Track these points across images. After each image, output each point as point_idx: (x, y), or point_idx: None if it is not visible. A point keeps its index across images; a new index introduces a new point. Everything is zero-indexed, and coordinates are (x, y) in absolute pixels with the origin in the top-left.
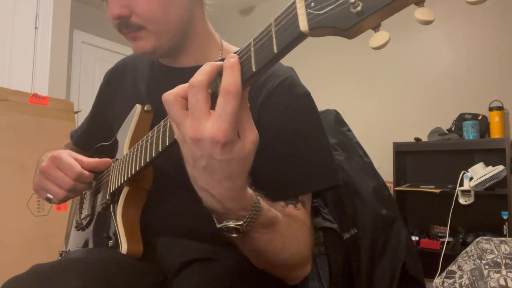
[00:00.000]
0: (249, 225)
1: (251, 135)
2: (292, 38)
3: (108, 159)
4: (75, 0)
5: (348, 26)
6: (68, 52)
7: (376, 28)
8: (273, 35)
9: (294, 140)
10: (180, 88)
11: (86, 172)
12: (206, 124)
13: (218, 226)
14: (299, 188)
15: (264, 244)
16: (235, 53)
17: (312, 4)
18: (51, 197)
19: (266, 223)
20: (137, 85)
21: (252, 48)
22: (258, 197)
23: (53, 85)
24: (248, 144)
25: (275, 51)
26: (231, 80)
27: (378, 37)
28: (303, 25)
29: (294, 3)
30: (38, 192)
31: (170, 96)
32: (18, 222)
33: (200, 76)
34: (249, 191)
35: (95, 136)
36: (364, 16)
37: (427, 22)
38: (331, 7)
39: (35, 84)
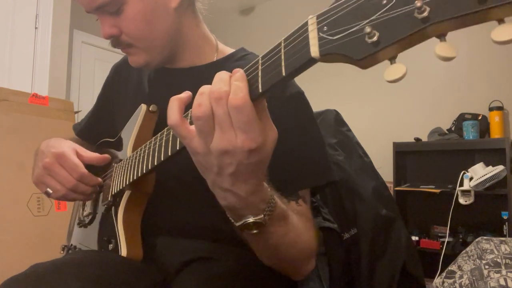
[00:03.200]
0: (268, 217)
1: (272, 135)
2: (301, 63)
3: (106, 156)
4: (75, 0)
5: (361, 57)
6: (68, 52)
7: (392, 59)
8: (282, 57)
9: (289, 139)
10: (207, 102)
11: (89, 174)
12: (233, 135)
13: (238, 224)
14: (297, 184)
15: (279, 238)
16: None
17: (325, 28)
18: (51, 192)
19: (282, 216)
20: (142, 82)
21: (260, 68)
22: (272, 191)
23: (53, 85)
24: (271, 144)
25: (283, 75)
26: (237, 95)
27: (394, 71)
28: (314, 50)
29: (306, 24)
30: (38, 185)
31: (201, 112)
32: (18, 222)
33: (226, 86)
34: (265, 184)
35: (97, 128)
36: (380, 48)
37: (449, 59)
38: (344, 33)
39: (35, 84)
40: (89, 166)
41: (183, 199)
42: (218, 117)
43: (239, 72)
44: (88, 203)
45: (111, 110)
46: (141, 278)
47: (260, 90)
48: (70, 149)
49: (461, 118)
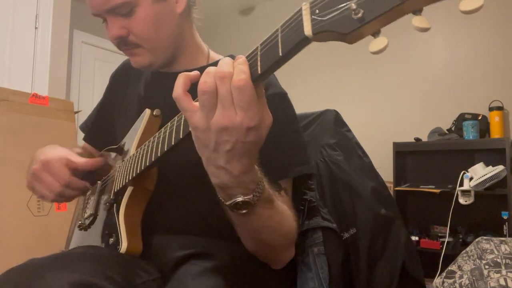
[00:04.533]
0: (257, 197)
1: (267, 119)
2: (296, 42)
3: (98, 159)
4: (75, 0)
5: (348, 31)
6: (68, 52)
7: (375, 34)
8: (279, 40)
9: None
10: (212, 80)
11: (75, 180)
12: (233, 112)
13: (228, 203)
14: (277, 174)
15: (265, 220)
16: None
17: (317, 11)
18: (42, 196)
19: (269, 199)
20: (138, 87)
21: (259, 52)
22: (262, 174)
23: (53, 85)
24: (266, 127)
25: (280, 54)
26: (239, 76)
27: (377, 43)
28: (307, 29)
29: (300, 10)
30: (30, 190)
31: (207, 87)
32: (18, 222)
33: (229, 68)
34: (256, 166)
35: (101, 134)
36: (364, 22)
37: (424, 30)
38: (334, 13)
39: (35, 84)
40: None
41: (180, 196)
42: (221, 95)
43: (241, 58)
44: (90, 206)
45: (112, 117)
46: (139, 274)
47: (259, 72)
48: (58, 156)
49: (461, 118)
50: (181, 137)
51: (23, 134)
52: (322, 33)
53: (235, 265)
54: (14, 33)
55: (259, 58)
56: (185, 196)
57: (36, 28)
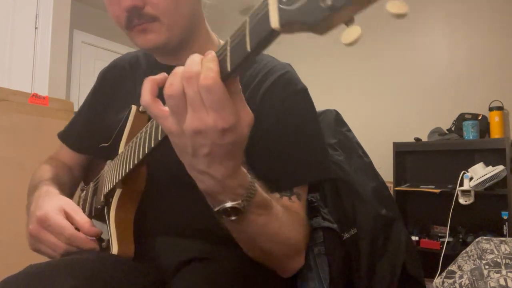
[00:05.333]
0: (247, 203)
1: (246, 118)
2: (264, 36)
3: (98, 230)
4: (75, 0)
5: (317, 20)
6: (68, 52)
7: (349, 22)
8: (247, 33)
9: (288, 133)
10: (178, 82)
11: (79, 234)
12: (205, 114)
13: (216, 209)
14: (292, 180)
15: (260, 227)
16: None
17: (284, 0)
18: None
19: (262, 203)
20: (136, 86)
21: (228, 47)
22: (253, 178)
23: (53, 85)
24: (245, 127)
25: (248, 50)
26: (207, 75)
27: (350, 33)
28: (274, 21)
29: None
30: (37, 252)
31: (173, 91)
32: (18, 222)
33: (197, 67)
34: (243, 169)
35: (92, 138)
36: (334, 10)
37: (400, 16)
38: (301, 2)
39: (35, 84)
40: (87, 169)
41: (180, 199)
42: (190, 97)
43: (210, 54)
44: (84, 209)
45: (102, 118)
46: (138, 279)
47: (229, 69)
48: (54, 209)
49: (461, 118)
50: (159, 139)
51: (23, 134)
52: (291, 25)
53: (236, 270)
54: (14, 33)
55: (228, 54)
56: (180, 198)
57: (36, 28)
